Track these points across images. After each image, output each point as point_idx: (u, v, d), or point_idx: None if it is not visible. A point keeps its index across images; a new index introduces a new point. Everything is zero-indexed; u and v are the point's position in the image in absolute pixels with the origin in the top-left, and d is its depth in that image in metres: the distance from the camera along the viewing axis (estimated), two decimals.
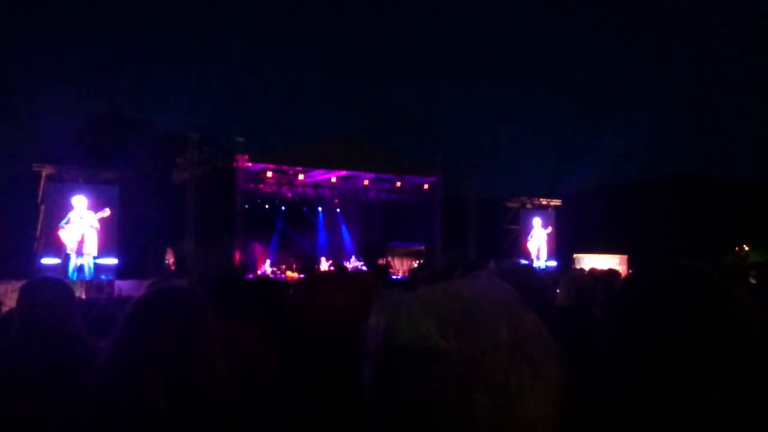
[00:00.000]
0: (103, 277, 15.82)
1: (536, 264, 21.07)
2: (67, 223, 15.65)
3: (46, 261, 15.40)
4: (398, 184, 21.93)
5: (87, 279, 15.49)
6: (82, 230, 15.79)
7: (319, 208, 24.89)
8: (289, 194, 21.45)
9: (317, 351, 1.76)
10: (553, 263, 22.67)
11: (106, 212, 16.00)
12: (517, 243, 22.87)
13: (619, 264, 20.05)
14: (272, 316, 2.64)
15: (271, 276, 18.13)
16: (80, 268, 15.73)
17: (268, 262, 21.03)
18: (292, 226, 24.76)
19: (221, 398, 1.32)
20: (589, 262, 20.30)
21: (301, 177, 20.46)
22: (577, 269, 13.59)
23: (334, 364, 1.62)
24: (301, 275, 18.52)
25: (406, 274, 20.92)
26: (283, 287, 4.01)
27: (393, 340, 0.72)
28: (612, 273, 5.85)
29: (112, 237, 16.43)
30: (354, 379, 0.79)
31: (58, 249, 15.57)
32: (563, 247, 24.02)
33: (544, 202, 23.85)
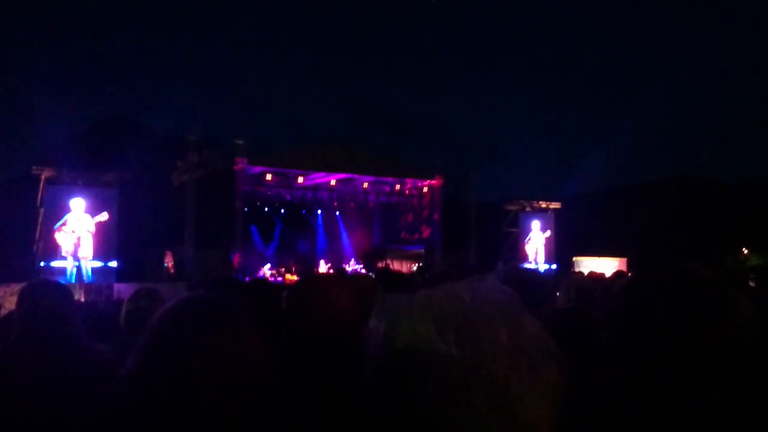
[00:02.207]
0: (102, 279, 15.81)
1: (533, 267, 21.06)
2: (63, 225, 15.63)
3: (50, 264, 15.39)
4: (398, 186, 21.94)
5: (86, 282, 15.49)
6: (78, 233, 15.78)
7: (319, 211, 24.90)
8: (289, 197, 21.47)
9: (315, 352, 1.76)
10: (552, 266, 22.68)
11: (104, 216, 15.98)
12: (516, 246, 22.87)
13: (619, 266, 20.06)
14: (270, 318, 2.64)
15: (270, 279, 18.12)
16: (79, 271, 15.72)
17: (267, 265, 21.03)
18: (291, 228, 24.76)
19: (235, 406, 1.30)
20: (589, 264, 20.31)
21: (300, 180, 20.47)
22: (576, 272, 13.60)
23: (333, 365, 1.62)
24: (300, 278, 18.48)
25: None
26: (281, 290, 4.00)
27: (393, 343, 0.72)
28: (618, 275, 5.82)
29: (111, 240, 16.42)
30: (353, 381, 0.79)
31: (56, 252, 15.56)
32: (563, 249, 24.02)
33: (544, 205, 23.85)
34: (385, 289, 2.12)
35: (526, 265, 19.89)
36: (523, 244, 22.85)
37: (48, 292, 2.47)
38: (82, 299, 13.63)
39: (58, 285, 2.61)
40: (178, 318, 1.33)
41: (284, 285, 17.10)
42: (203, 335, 1.29)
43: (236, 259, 18.53)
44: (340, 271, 13.97)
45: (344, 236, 25.23)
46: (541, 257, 22.93)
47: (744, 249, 35.64)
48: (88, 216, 15.91)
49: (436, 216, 22.10)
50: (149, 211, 23.39)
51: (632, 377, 1.09)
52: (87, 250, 15.85)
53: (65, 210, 15.74)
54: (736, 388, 1.02)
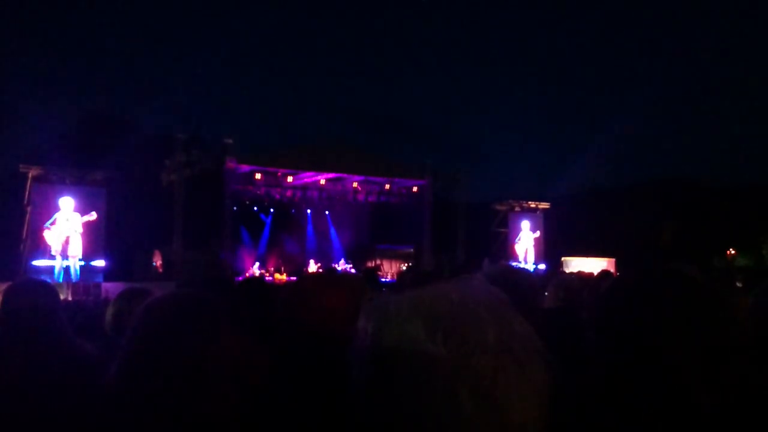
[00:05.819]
0: (90, 279, 15.71)
1: (522, 267, 21.14)
2: (52, 224, 15.53)
3: (37, 263, 15.28)
4: (387, 186, 21.94)
5: (74, 281, 15.38)
6: (67, 232, 15.68)
7: (308, 210, 24.86)
8: (278, 196, 21.41)
9: (307, 352, 1.76)
10: (541, 266, 22.77)
11: (93, 216, 15.90)
12: (505, 246, 22.96)
13: (607, 267, 20.19)
14: (262, 317, 2.63)
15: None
16: (67, 270, 15.61)
17: (256, 264, 20.98)
18: (280, 228, 24.72)
19: (222, 407, 1.28)
20: (578, 264, 20.44)
21: (290, 179, 20.42)
22: (565, 272, 13.65)
23: (324, 365, 1.61)
24: (290, 277, 18.48)
25: (395, 277, 20.94)
26: (276, 288, 3.99)
27: (381, 342, 0.72)
28: (604, 274, 5.84)
29: (100, 239, 16.32)
30: (343, 381, 0.79)
31: (44, 251, 15.45)
32: (551, 249, 24.11)
33: (533, 205, 23.96)
34: (373, 289, 2.12)
35: (515, 264, 19.93)
36: (513, 244, 22.93)
37: (33, 291, 2.45)
38: (70, 298, 13.54)
39: (44, 284, 2.59)
40: (157, 316, 1.32)
41: (274, 284, 17.10)
42: (182, 333, 1.28)
43: (225, 258, 18.47)
44: (330, 270, 13.95)
45: (333, 236, 25.22)
46: (531, 257, 23.02)
47: (731, 250, 35.97)
48: (77, 215, 15.82)
49: (425, 216, 22.13)
50: (138, 210, 23.23)
51: (619, 378, 1.09)
52: (76, 249, 15.76)
53: (53, 209, 15.64)
54: (725, 391, 1.02)
